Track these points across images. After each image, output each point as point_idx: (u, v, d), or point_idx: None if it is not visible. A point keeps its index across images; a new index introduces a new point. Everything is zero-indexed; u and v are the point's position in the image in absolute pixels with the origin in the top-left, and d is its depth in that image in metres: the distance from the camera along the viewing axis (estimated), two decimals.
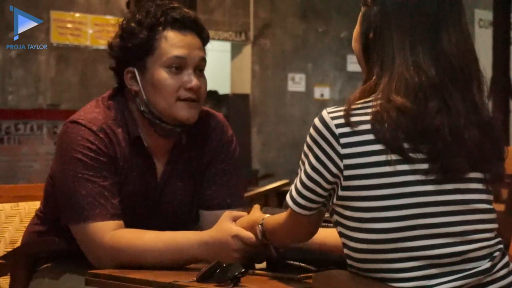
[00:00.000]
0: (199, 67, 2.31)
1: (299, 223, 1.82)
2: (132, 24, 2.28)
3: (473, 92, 1.71)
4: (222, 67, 11.86)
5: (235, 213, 2.13)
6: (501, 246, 1.75)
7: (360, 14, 1.80)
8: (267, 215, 2.00)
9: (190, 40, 2.30)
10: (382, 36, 1.72)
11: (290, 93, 11.70)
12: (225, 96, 10.52)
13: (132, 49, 2.28)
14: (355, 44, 1.81)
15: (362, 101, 1.70)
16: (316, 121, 1.71)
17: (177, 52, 2.27)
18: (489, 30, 11.45)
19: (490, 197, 1.75)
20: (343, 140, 1.67)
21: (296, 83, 11.87)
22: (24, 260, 2.38)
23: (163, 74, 2.26)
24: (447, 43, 1.70)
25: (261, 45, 11.36)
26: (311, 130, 1.71)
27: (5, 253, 2.51)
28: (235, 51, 11.65)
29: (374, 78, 1.71)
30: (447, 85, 1.68)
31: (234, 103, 10.46)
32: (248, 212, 2.13)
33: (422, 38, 1.70)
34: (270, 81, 11.42)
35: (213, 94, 10.36)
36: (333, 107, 1.72)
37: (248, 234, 2.04)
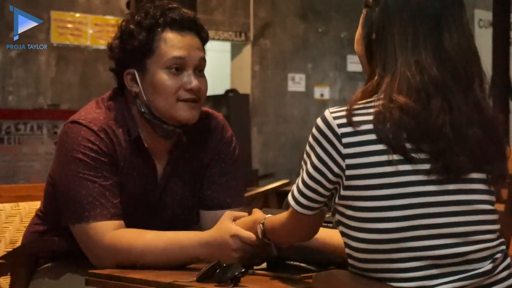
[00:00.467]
0: (199, 68, 2.31)
1: (300, 223, 1.82)
2: (131, 26, 2.28)
3: (476, 91, 1.71)
4: (222, 67, 11.86)
5: (236, 213, 2.13)
6: (503, 247, 1.74)
7: (362, 16, 1.80)
8: (269, 215, 2.00)
9: (189, 40, 2.30)
10: (385, 37, 1.72)
11: (290, 93, 11.70)
12: (225, 96, 10.52)
13: (132, 51, 2.28)
14: (357, 46, 1.81)
15: (364, 101, 1.70)
16: (319, 121, 1.71)
17: (176, 53, 2.27)
18: (489, 30, 11.45)
19: (493, 198, 1.75)
20: (345, 140, 1.67)
21: (296, 83, 11.86)
22: (24, 260, 2.38)
23: (162, 76, 2.26)
24: (449, 42, 1.71)
25: (261, 45, 11.36)
26: (313, 130, 1.71)
27: (5, 253, 2.51)
28: (235, 51, 11.65)
29: (376, 78, 1.71)
30: (450, 84, 1.68)
31: (234, 103, 10.46)
32: (249, 213, 2.13)
33: (424, 38, 1.70)
34: (270, 81, 11.42)
35: (234, 91, 10.42)
36: (335, 107, 1.72)
37: (248, 234, 2.04)
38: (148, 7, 2.31)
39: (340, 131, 1.68)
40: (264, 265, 2.10)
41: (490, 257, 1.71)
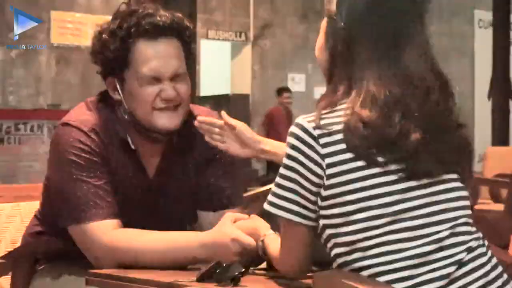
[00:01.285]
0: (176, 75, 2.28)
1: (295, 238, 1.82)
2: (104, 36, 2.27)
3: (432, 102, 1.76)
4: (222, 67, 11.88)
5: (236, 215, 2.13)
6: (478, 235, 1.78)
7: (324, 24, 1.85)
8: (270, 232, 2.01)
9: (164, 49, 2.26)
10: (350, 53, 1.78)
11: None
12: (225, 96, 10.54)
13: (108, 62, 2.28)
14: (319, 53, 1.86)
15: (330, 109, 1.76)
16: (294, 128, 1.77)
17: (149, 68, 2.23)
18: (489, 30, 11.45)
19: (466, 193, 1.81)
20: (322, 140, 1.73)
21: (296, 83, 11.88)
22: (24, 260, 2.39)
23: (138, 86, 2.25)
24: (407, 58, 1.76)
25: (261, 45, 11.37)
26: (290, 139, 1.76)
27: (5, 253, 2.51)
28: (235, 51, 11.67)
29: (341, 91, 1.77)
30: (408, 99, 1.74)
31: (234, 103, 10.47)
32: (247, 213, 2.14)
33: (385, 54, 1.76)
34: (270, 81, 11.43)
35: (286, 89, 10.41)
36: (304, 115, 1.78)
37: (248, 239, 2.03)
38: (124, 14, 2.28)
39: (316, 132, 1.73)
40: (264, 265, 2.10)
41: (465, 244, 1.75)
